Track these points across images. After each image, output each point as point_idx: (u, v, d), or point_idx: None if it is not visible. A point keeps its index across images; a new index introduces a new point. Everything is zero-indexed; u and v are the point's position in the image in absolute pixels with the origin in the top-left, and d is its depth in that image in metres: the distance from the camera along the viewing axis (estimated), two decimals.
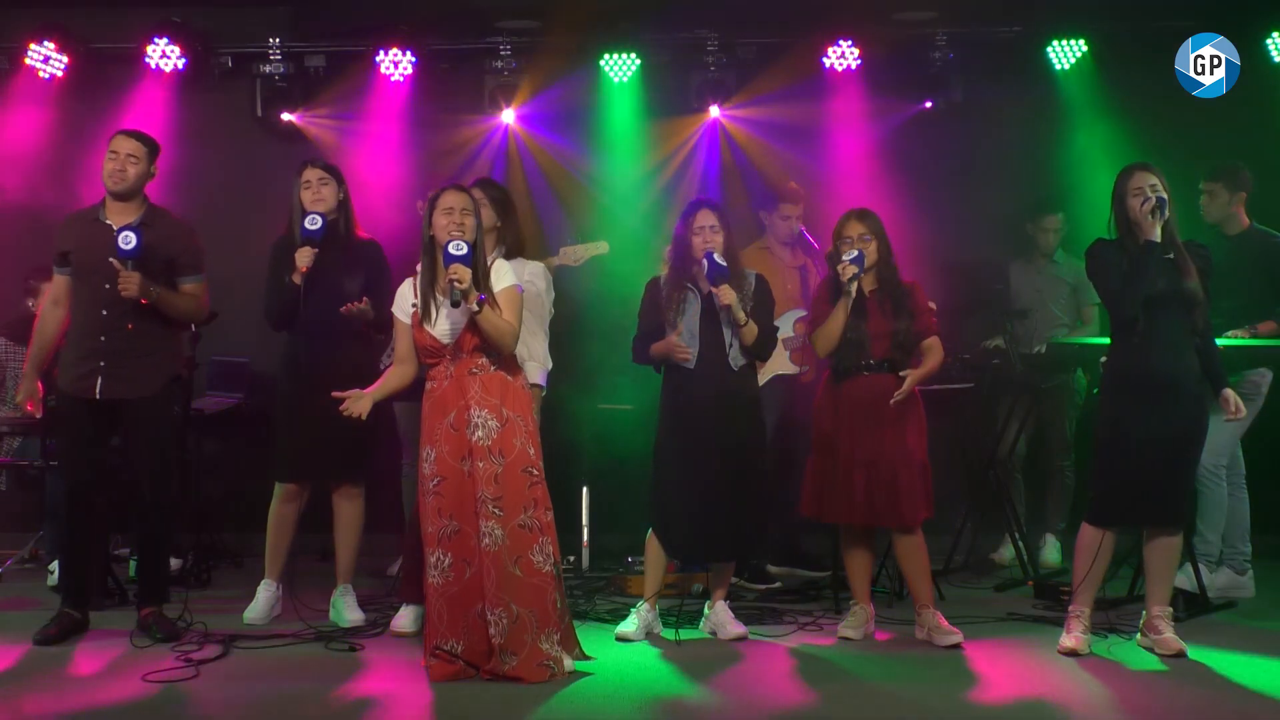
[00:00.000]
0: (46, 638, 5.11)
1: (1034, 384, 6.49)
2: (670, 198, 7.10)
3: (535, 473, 4.73)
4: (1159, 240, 4.88)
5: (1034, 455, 6.96)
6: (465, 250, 4.59)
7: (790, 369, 6.43)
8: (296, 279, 5.29)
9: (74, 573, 5.31)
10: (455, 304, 4.60)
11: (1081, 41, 7.07)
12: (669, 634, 5.27)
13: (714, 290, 5.14)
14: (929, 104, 7.30)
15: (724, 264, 5.13)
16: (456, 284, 4.54)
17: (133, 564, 6.08)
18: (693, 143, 7.39)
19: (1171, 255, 4.93)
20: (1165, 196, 4.90)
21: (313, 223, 5.32)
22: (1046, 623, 5.44)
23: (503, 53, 7.18)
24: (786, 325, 6.42)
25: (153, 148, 5.26)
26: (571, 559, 6.57)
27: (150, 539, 5.37)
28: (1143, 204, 4.90)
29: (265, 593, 5.55)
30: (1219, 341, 5.75)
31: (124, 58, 7.17)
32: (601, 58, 7.15)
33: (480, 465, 4.66)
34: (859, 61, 7.11)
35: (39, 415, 5.47)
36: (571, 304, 6.58)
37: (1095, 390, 5.47)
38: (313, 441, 5.38)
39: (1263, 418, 6.04)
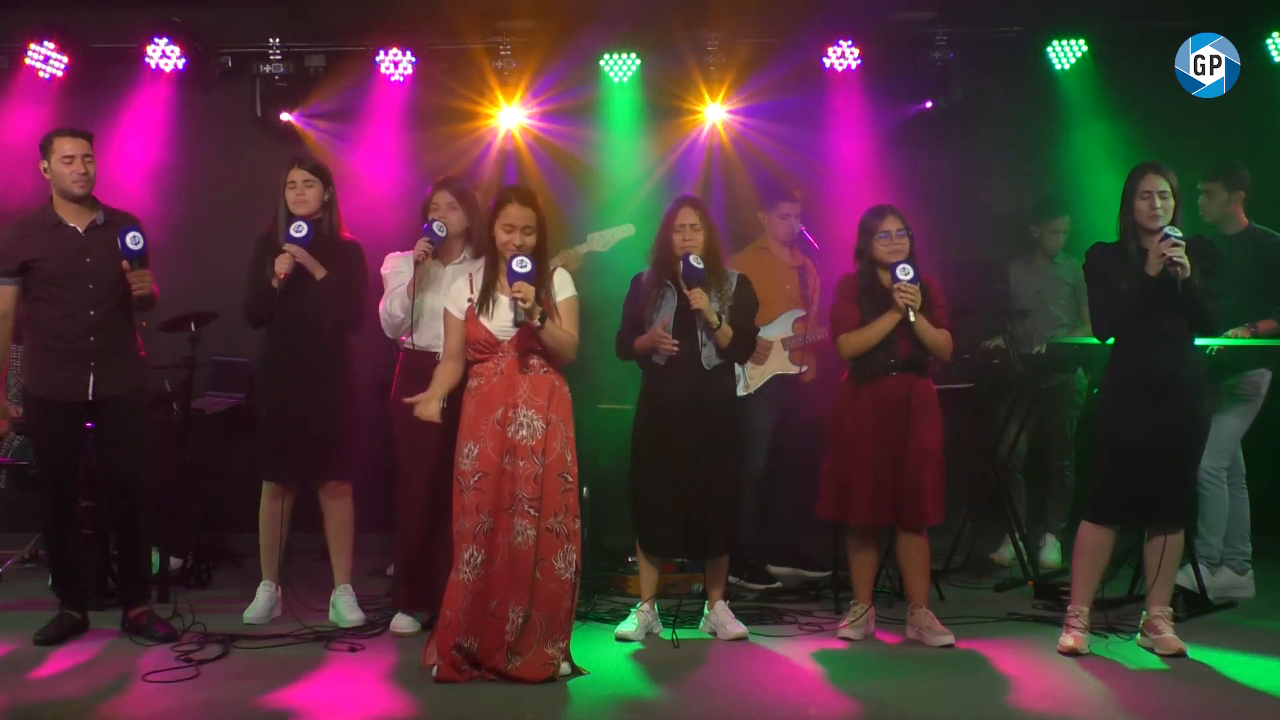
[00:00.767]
0: (46, 638, 5.11)
1: (1034, 384, 6.50)
2: (670, 198, 7.07)
3: (570, 479, 4.74)
4: (1155, 276, 4.86)
5: (1034, 455, 6.96)
6: (530, 268, 4.63)
7: (790, 369, 6.42)
8: (275, 283, 5.29)
9: (67, 576, 5.31)
10: (520, 323, 4.66)
11: (1081, 41, 7.07)
12: (668, 634, 5.27)
13: (687, 293, 5.14)
14: (929, 104, 7.31)
15: (700, 266, 5.12)
16: (521, 303, 4.59)
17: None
18: (692, 143, 7.39)
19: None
20: (1184, 262, 4.78)
21: (298, 230, 5.32)
22: (1046, 623, 5.44)
23: (503, 53, 7.18)
24: (786, 325, 6.42)
25: (92, 139, 5.23)
26: None
27: (130, 539, 5.35)
28: (1171, 258, 4.78)
29: (265, 593, 5.55)
30: (1218, 341, 5.76)
31: (124, 58, 7.17)
32: (601, 58, 7.15)
33: (521, 464, 4.68)
34: (859, 61, 7.11)
35: (9, 434, 5.39)
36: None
37: (1095, 390, 5.48)
38: (294, 439, 5.39)
39: (1263, 418, 6.05)
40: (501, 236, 4.75)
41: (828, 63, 7.13)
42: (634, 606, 5.40)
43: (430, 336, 5.25)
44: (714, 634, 5.33)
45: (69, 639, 5.15)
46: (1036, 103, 7.27)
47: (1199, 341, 5.72)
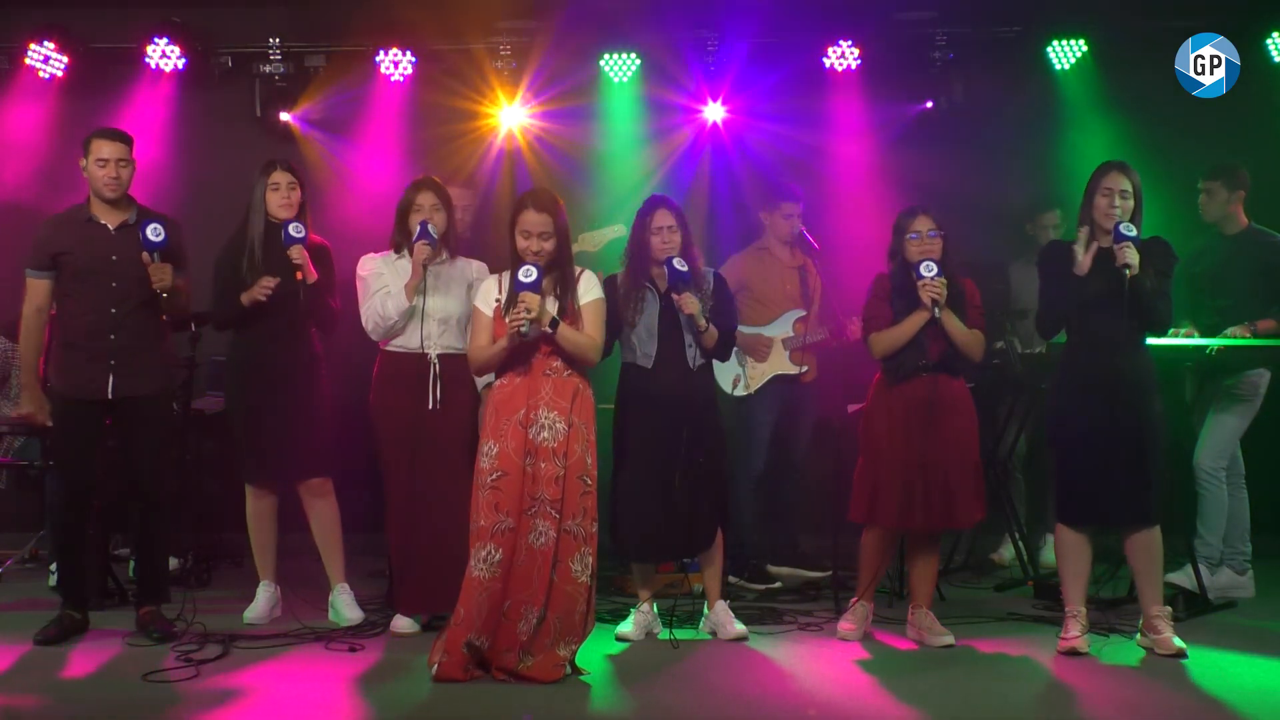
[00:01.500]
0: (47, 638, 5.11)
1: (1034, 384, 6.49)
2: (670, 198, 7.08)
3: (589, 482, 4.75)
4: (1084, 275, 4.90)
5: (1034, 455, 6.96)
6: (535, 277, 4.63)
7: (790, 369, 6.42)
8: (308, 277, 5.27)
9: (73, 575, 5.31)
10: (524, 335, 4.64)
11: (1081, 41, 7.07)
12: (668, 634, 5.27)
13: (675, 298, 5.13)
14: (929, 104, 7.31)
15: (685, 270, 5.12)
16: (526, 313, 4.58)
17: (133, 564, 6.09)
18: (692, 142, 7.39)
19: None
20: (1134, 263, 4.81)
21: (298, 230, 5.31)
22: (1046, 623, 5.44)
23: (503, 53, 7.19)
24: (787, 325, 6.42)
25: (131, 143, 5.24)
26: None
27: (150, 538, 5.37)
28: (1124, 266, 4.81)
29: (264, 593, 5.56)
30: (1218, 341, 5.77)
31: (124, 58, 7.17)
32: (601, 58, 7.15)
33: (543, 466, 4.68)
34: (859, 61, 7.11)
35: (49, 424, 5.37)
36: None
37: None
38: (271, 440, 5.40)
39: (1262, 418, 6.05)
40: (520, 243, 4.75)
41: (828, 63, 7.13)
42: (633, 607, 5.40)
43: (415, 339, 5.25)
44: (714, 634, 5.32)
45: (69, 639, 5.14)
46: (1036, 103, 7.27)
47: (1202, 341, 5.73)
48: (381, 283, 5.30)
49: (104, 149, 5.15)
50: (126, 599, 5.73)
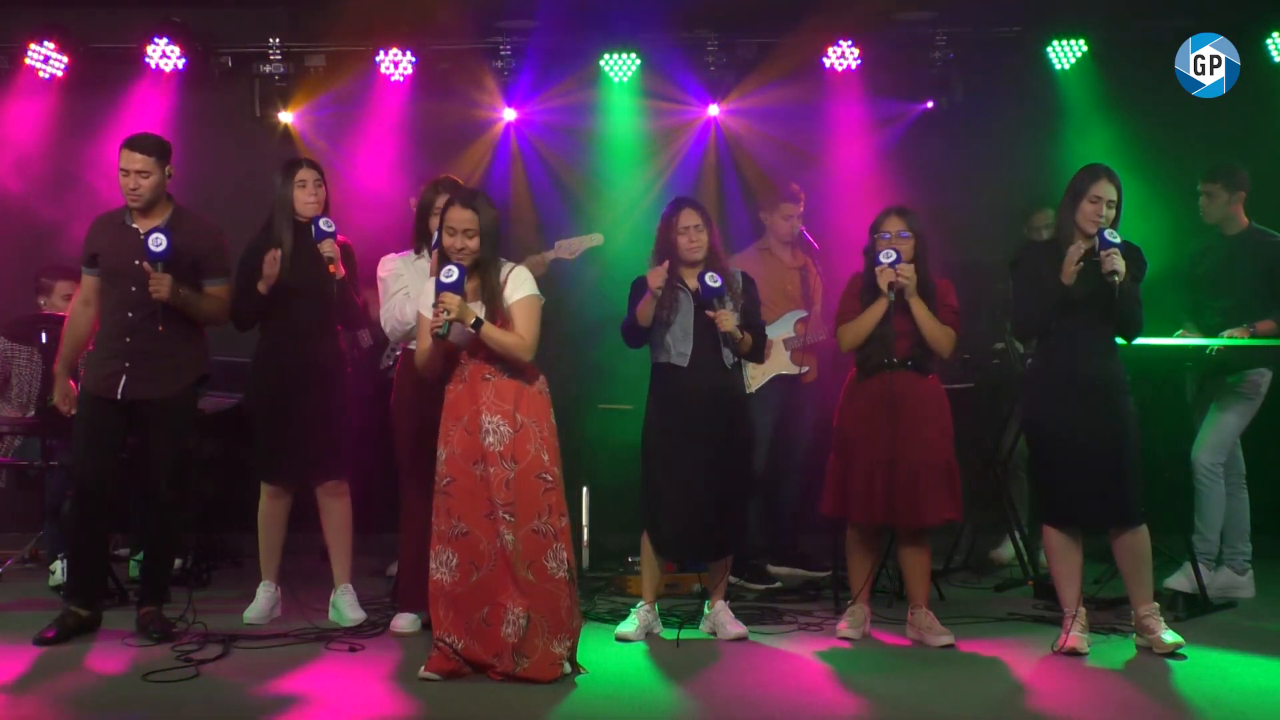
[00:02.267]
0: (46, 639, 5.10)
1: None
2: (670, 198, 7.08)
3: (550, 479, 4.69)
4: (1071, 285, 4.89)
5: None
6: (455, 277, 4.52)
7: (791, 369, 6.43)
8: (338, 272, 5.29)
9: (81, 570, 5.30)
10: (441, 336, 4.54)
11: (1081, 41, 7.07)
12: (669, 634, 5.27)
13: (710, 315, 5.11)
14: (929, 104, 7.31)
15: (718, 285, 5.11)
16: (445, 313, 4.50)
17: (133, 564, 6.10)
18: (693, 143, 7.39)
19: (1095, 259, 4.88)
20: (1122, 270, 4.82)
21: (328, 225, 5.33)
22: (1046, 623, 5.43)
23: (503, 53, 7.19)
24: (787, 325, 6.42)
25: (162, 154, 5.21)
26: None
27: (159, 539, 5.38)
28: (1112, 273, 4.81)
29: (265, 593, 5.55)
30: (1218, 341, 5.77)
31: (124, 58, 7.17)
32: (601, 58, 7.15)
33: (492, 471, 4.63)
34: (859, 61, 7.11)
35: (72, 413, 5.40)
36: (571, 302, 6.57)
37: None
38: (291, 440, 5.39)
39: (1262, 418, 6.04)
40: (445, 240, 4.65)
41: (828, 63, 7.13)
42: (633, 606, 5.40)
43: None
44: (714, 634, 5.32)
45: (71, 638, 5.13)
46: (1036, 103, 7.27)
47: (1203, 342, 5.73)
48: (401, 284, 5.29)
49: (124, 159, 5.16)
50: (127, 599, 5.72)
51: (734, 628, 5.28)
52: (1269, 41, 6.97)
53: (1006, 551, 6.71)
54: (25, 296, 6.78)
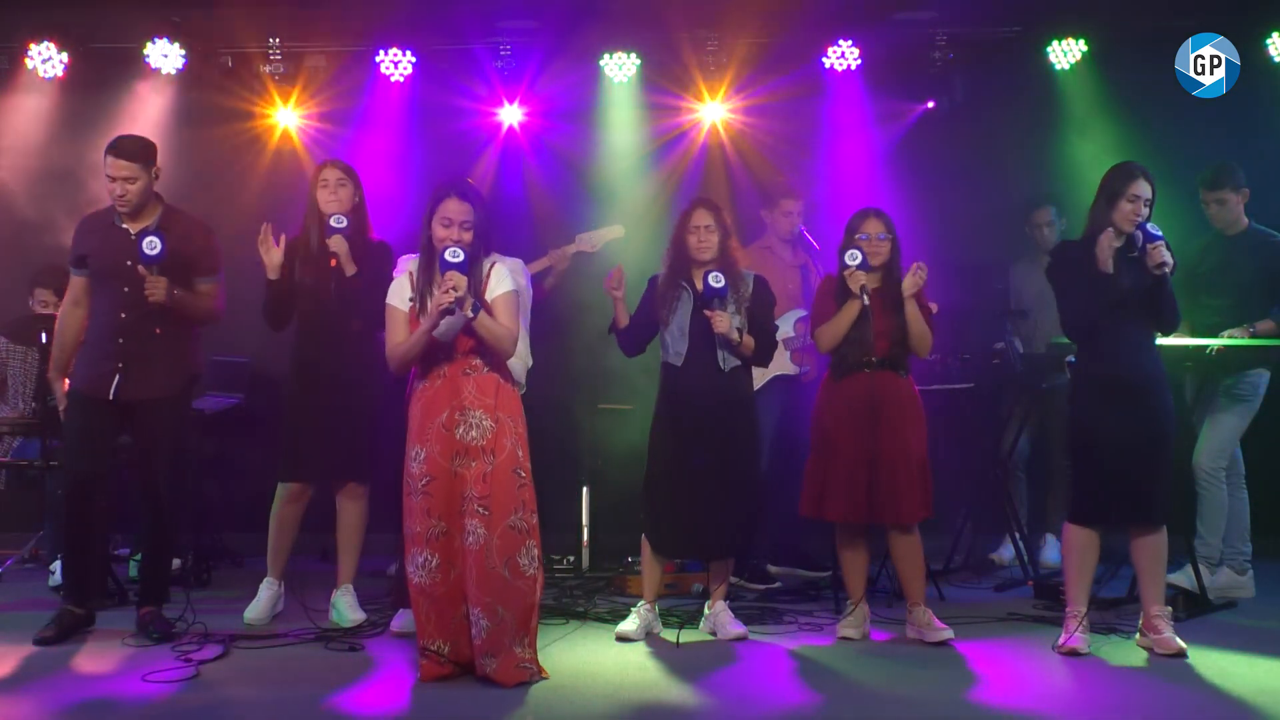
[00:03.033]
0: (46, 638, 5.10)
1: (1034, 384, 6.49)
2: (670, 197, 7.10)
3: (524, 475, 4.69)
4: (1111, 275, 4.91)
5: (1035, 455, 6.96)
6: (462, 258, 4.54)
7: (790, 369, 6.42)
8: (346, 268, 5.31)
9: (75, 568, 5.31)
10: (450, 313, 4.54)
11: (1081, 41, 7.07)
12: (669, 634, 5.27)
13: (707, 314, 5.13)
14: (930, 104, 7.31)
15: (720, 285, 5.12)
16: (453, 291, 4.49)
17: (133, 564, 6.09)
18: (693, 143, 7.39)
19: (1136, 254, 4.93)
20: (1170, 263, 4.88)
21: (338, 221, 5.35)
22: (1046, 623, 5.44)
23: (503, 53, 7.19)
24: (787, 325, 6.42)
25: (147, 157, 5.21)
26: (571, 559, 6.58)
27: (158, 540, 5.37)
28: (1161, 265, 4.85)
29: (267, 592, 5.55)
30: (1218, 341, 5.76)
31: (124, 58, 7.17)
32: (601, 58, 7.15)
33: (472, 465, 4.61)
34: (859, 61, 7.11)
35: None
36: (569, 304, 6.57)
37: None
38: (318, 441, 5.40)
39: (1262, 418, 6.04)
40: (439, 232, 4.65)
41: (828, 63, 7.13)
42: (633, 606, 5.40)
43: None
44: (714, 634, 5.32)
45: (70, 637, 5.14)
46: (1036, 103, 7.27)
47: (1202, 341, 5.73)
48: None
49: (109, 165, 5.15)
50: (126, 599, 5.73)
51: (734, 628, 5.29)
52: (1269, 41, 6.96)
53: (1007, 553, 6.72)
54: (25, 297, 6.78)
